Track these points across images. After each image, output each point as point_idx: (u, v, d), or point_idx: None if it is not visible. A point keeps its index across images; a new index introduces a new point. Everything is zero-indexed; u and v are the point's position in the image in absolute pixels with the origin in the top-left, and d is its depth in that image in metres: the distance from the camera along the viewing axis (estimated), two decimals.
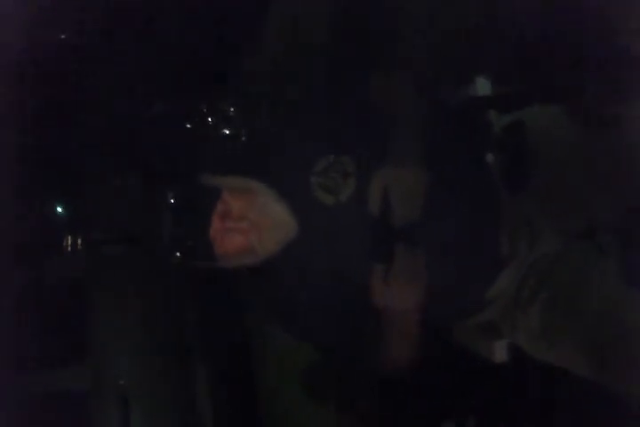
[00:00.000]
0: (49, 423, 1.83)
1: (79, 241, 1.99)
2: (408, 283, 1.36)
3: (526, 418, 1.72)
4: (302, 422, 1.96)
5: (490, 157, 1.46)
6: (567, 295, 1.42)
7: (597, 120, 1.38)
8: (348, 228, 1.40)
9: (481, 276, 1.46)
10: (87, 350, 1.94)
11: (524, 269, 1.47)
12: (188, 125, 1.88)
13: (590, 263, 1.44)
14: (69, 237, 1.99)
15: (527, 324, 1.46)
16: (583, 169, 1.43)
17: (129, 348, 1.93)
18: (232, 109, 1.86)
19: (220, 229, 1.41)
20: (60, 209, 2.02)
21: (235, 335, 1.96)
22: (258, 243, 1.41)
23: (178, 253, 1.43)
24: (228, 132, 1.85)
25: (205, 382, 2.02)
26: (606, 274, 1.43)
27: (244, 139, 1.84)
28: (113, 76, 1.86)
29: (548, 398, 1.69)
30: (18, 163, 1.86)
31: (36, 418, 1.81)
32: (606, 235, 1.46)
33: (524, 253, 1.46)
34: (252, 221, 1.41)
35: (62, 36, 1.89)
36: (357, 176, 1.41)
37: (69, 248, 1.97)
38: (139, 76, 1.87)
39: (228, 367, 2.00)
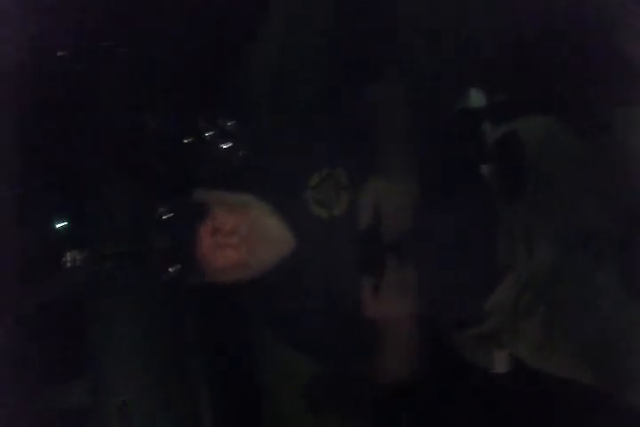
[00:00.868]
0: None
1: (76, 257, 1.99)
2: (398, 296, 1.36)
3: None
4: None
5: (484, 168, 1.46)
6: (566, 305, 1.42)
7: (590, 129, 1.38)
8: (343, 241, 1.41)
9: (479, 287, 1.45)
10: (87, 366, 1.94)
11: (523, 279, 1.46)
12: (185, 140, 1.88)
13: (588, 272, 1.44)
14: (66, 254, 1.99)
15: (527, 334, 1.46)
16: (578, 178, 1.43)
17: (129, 363, 1.92)
18: (229, 124, 1.86)
19: (211, 245, 1.42)
20: (54, 225, 2.03)
21: (235, 350, 1.95)
22: (251, 257, 1.42)
23: (169, 269, 1.44)
24: (225, 147, 1.85)
25: (207, 397, 2.01)
26: (605, 282, 1.43)
27: (241, 153, 1.84)
28: (108, 89, 1.87)
29: (550, 408, 1.67)
30: (13, 180, 1.87)
31: None
32: (604, 243, 1.45)
33: (522, 263, 1.45)
34: (243, 236, 1.42)
35: (59, 53, 1.90)
36: (351, 190, 1.42)
37: (66, 264, 1.97)
38: (135, 90, 1.88)
39: (230, 382, 2.00)
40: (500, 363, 1.59)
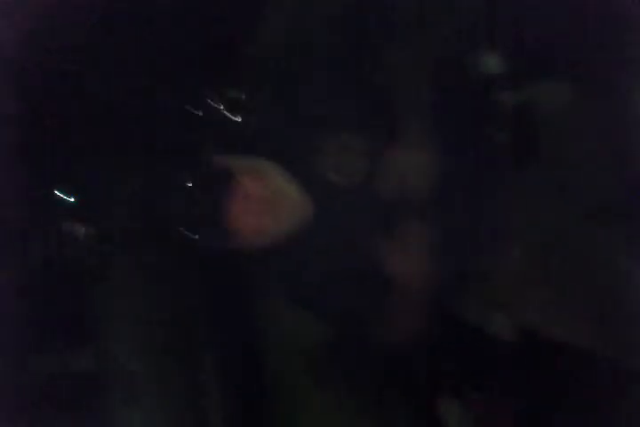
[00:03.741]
0: (55, 405, 1.85)
1: (90, 229, 1.99)
2: (419, 255, 1.38)
3: (530, 392, 1.75)
4: (305, 400, 1.98)
5: (500, 136, 1.49)
6: (571, 270, 1.46)
7: (606, 94, 1.42)
8: (362, 206, 1.43)
9: (488, 251, 1.49)
10: (95, 334, 1.95)
11: (529, 244, 1.50)
12: (200, 113, 1.90)
13: (594, 238, 1.47)
14: (81, 225, 2.00)
15: (531, 299, 1.50)
16: (591, 146, 1.46)
17: (137, 330, 1.94)
18: (243, 96, 1.87)
19: (236, 212, 1.43)
20: (73, 198, 2.03)
21: (245, 318, 1.97)
22: (272, 223, 1.44)
23: (195, 237, 1.46)
24: (239, 119, 1.86)
25: (213, 365, 2.03)
26: (610, 249, 1.46)
27: (254, 124, 1.86)
28: (123, 62, 1.88)
29: (552, 371, 1.71)
30: (22, 151, 1.87)
31: (42, 400, 1.82)
32: (612, 211, 1.49)
33: (531, 228, 1.49)
34: (266, 202, 1.43)
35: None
36: (370, 156, 1.44)
37: (82, 236, 1.98)
38: (151, 63, 1.88)
39: (237, 350, 2.02)
40: (504, 327, 1.62)
